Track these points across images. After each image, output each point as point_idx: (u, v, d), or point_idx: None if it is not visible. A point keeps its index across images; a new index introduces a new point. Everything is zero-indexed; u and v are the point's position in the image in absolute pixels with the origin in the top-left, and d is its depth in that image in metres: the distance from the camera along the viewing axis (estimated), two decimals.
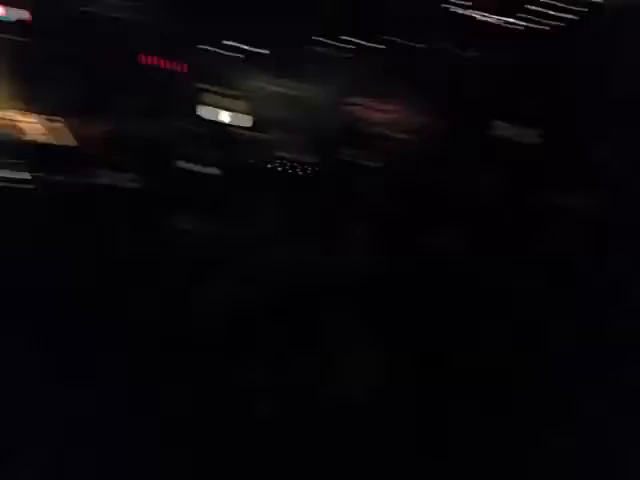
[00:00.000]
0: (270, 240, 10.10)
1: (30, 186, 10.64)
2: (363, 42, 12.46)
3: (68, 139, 11.23)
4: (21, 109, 11.35)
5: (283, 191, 11.03)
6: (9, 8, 12.00)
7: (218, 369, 9.11)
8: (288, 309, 9.66)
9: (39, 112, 11.34)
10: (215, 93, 11.90)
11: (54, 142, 11.22)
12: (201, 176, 11.18)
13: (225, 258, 9.92)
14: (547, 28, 12.63)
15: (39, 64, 11.38)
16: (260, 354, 9.25)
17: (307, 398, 8.67)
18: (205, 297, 9.57)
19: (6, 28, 11.88)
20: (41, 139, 11.25)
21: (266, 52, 12.26)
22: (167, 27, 11.93)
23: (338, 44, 12.47)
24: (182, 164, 11.23)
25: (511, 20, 12.69)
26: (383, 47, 12.37)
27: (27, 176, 10.68)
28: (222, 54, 12.11)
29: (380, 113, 12.18)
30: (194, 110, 11.82)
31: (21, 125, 11.33)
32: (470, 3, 12.63)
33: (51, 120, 11.35)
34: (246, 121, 11.91)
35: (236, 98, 11.91)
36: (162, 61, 11.97)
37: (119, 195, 10.59)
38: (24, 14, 11.91)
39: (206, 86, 11.86)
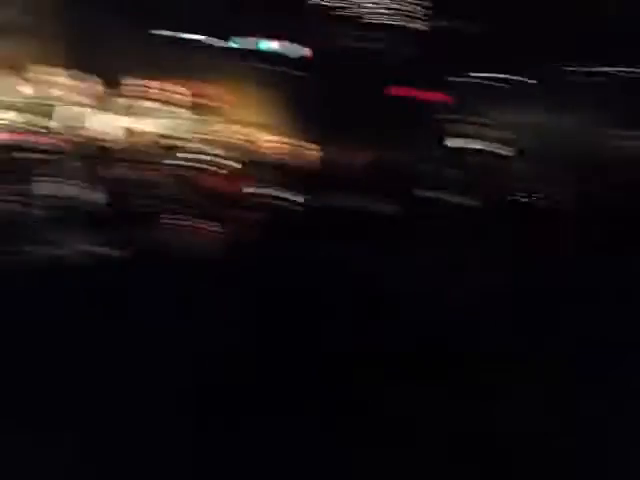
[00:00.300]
0: (522, 266, 10.22)
1: (296, 206, 11.73)
2: (620, 72, 12.37)
3: (331, 165, 12.25)
4: (294, 138, 12.53)
5: (537, 221, 11.13)
6: (289, 44, 13.29)
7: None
8: None
9: (309, 140, 12.45)
10: (470, 123, 12.33)
11: (318, 167, 12.30)
12: (453, 205, 11.59)
13: (484, 285, 10.18)
14: None
15: (313, 97, 12.48)
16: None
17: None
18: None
19: (287, 63, 13.16)
20: (308, 164, 12.38)
21: (522, 82, 12.51)
22: (427, 60, 12.57)
23: (595, 73, 12.45)
24: (433, 192, 11.72)
25: None
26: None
27: (296, 196, 11.78)
28: (477, 84, 12.52)
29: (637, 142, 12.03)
30: (449, 139, 12.35)
31: (292, 151, 12.53)
32: None
33: (318, 147, 12.43)
34: (500, 152, 12.22)
35: (491, 128, 12.25)
36: (420, 92, 12.63)
37: (369, 219, 11.27)
38: (305, 51, 13.09)
39: (461, 116, 12.32)
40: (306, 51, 13.14)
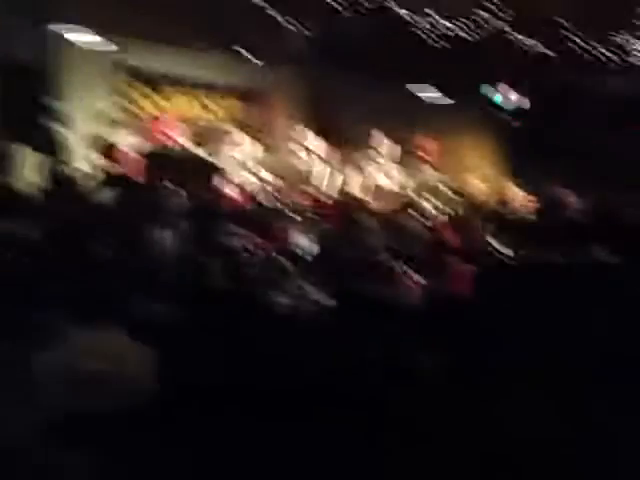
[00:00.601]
0: None
1: (512, 259, 11.33)
2: None
3: (551, 213, 11.75)
4: (513, 187, 12.30)
5: None
6: (518, 95, 13.19)
7: None
8: None
9: (525, 188, 12.14)
10: None
11: (537, 216, 11.85)
12: None
13: None
14: None
15: (533, 145, 12.20)
16: None
17: None
18: None
19: (510, 111, 13.09)
20: (524, 213, 12.01)
21: None
22: None
23: None
24: None
25: None
26: None
27: (512, 249, 11.40)
28: None
29: None
30: None
31: (510, 200, 12.28)
32: None
33: (536, 195, 12.05)
34: None
35: None
36: None
37: (595, 273, 10.57)
38: (523, 102, 12.94)
39: None
40: (526, 99, 12.98)
